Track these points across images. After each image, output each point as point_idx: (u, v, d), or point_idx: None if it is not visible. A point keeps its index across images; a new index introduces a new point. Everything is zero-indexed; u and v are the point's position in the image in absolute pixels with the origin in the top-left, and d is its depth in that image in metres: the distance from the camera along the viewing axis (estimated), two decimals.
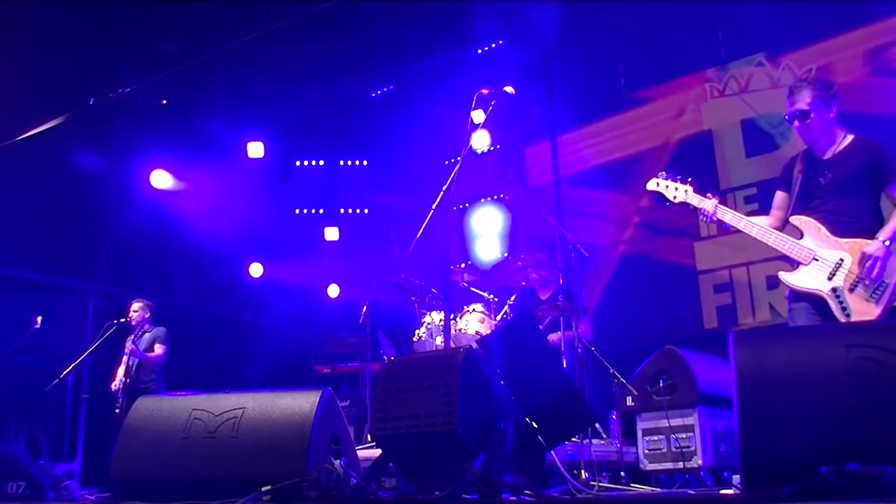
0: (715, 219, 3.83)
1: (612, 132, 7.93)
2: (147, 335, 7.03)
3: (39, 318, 6.85)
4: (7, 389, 7.00)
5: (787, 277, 3.71)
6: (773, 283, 6.49)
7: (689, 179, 4.00)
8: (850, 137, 3.82)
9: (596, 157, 7.98)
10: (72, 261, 8.25)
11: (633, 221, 7.56)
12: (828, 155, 3.81)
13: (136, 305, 7.11)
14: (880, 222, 3.66)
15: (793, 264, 3.72)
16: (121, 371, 6.87)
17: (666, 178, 4.03)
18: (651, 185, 4.07)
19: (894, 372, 2.35)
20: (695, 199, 3.93)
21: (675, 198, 3.98)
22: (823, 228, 3.67)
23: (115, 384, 6.82)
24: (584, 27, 7.71)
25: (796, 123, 3.82)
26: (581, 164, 8.04)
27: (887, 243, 3.51)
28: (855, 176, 3.71)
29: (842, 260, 3.58)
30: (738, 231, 3.84)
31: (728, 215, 3.83)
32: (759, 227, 3.78)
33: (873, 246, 3.51)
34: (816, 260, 3.63)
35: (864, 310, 3.48)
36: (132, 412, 3.41)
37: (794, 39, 6.82)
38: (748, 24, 6.87)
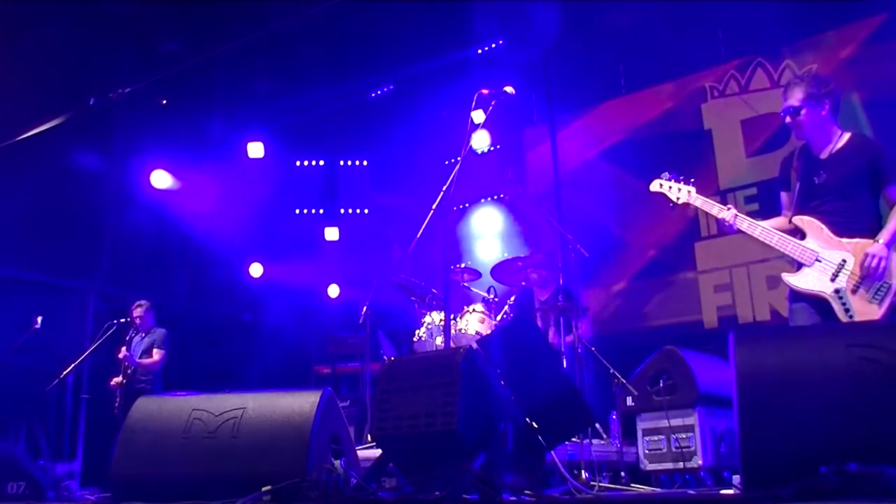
0: (735, 228, 3.80)
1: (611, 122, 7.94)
2: (146, 338, 7.02)
3: (39, 318, 6.84)
4: (7, 389, 7.00)
5: (789, 279, 3.71)
6: (773, 283, 6.49)
7: (692, 180, 4.00)
8: (847, 136, 3.81)
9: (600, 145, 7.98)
10: (72, 261, 8.25)
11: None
12: (824, 154, 3.81)
13: (137, 309, 7.09)
14: (881, 223, 3.65)
15: (795, 265, 3.72)
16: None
17: (669, 179, 4.03)
18: (654, 186, 4.08)
19: (894, 372, 2.34)
20: (697, 201, 3.94)
21: (678, 199, 3.98)
22: (826, 228, 3.66)
23: (114, 382, 6.79)
24: (584, 27, 7.70)
25: (788, 119, 3.83)
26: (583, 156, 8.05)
27: (882, 241, 3.51)
28: (853, 176, 3.70)
29: (844, 261, 3.57)
30: (739, 231, 3.83)
31: (745, 223, 3.81)
32: (762, 229, 3.77)
33: (875, 247, 3.51)
34: (819, 261, 3.62)
35: (866, 311, 3.47)
36: (132, 412, 3.41)
37: (794, 39, 6.83)
38: (748, 24, 6.87)
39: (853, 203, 3.68)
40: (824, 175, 3.76)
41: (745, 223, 3.81)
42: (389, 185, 9.34)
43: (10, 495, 3.92)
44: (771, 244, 3.75)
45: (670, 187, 4.01)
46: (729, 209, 3.87)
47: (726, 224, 3.84)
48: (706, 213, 3.97)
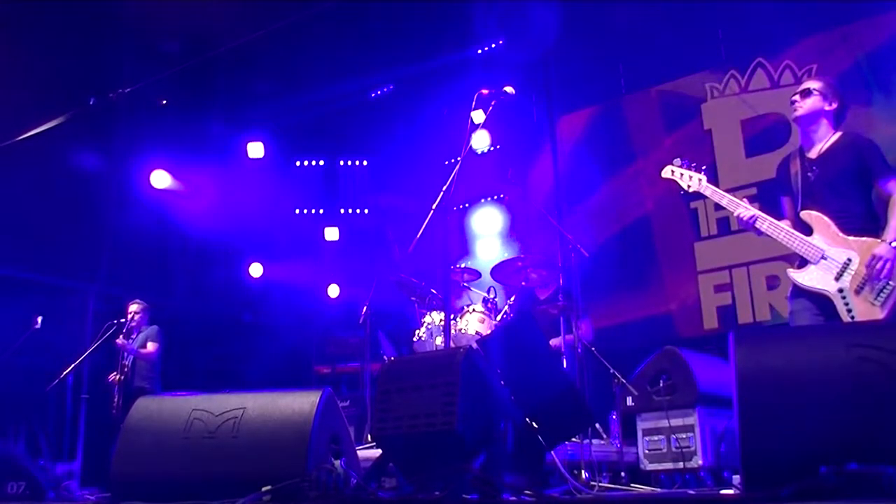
0: (752, 224, 3.77)
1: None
2: (140, 335, 7.06)
3: (39, 318, 6.85)
4: (7, 389, 7.00)
5: (794, 275, 3.70)
6: (773, 283, 6.49)
7: (704, 168, 4.02)
8: (837, 134, 3.83)
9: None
10: (72, 261, 8.26)
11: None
12: (815, 153, 3.84)
13: (133, 307, 7.11)
14: (875, 220, 3.65)
15: (798, 262, 3.71)
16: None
17: (681, 166, 4.05)
18: (666, 172, 4.10)
19: (894, 372, 2.34)
20: (707, 190, 3.95)
21: (689, 187, 4.00)
22: (833, 225, 3.64)
23: (112, 377, 6.80)
24: (584, 27, 7.70)
25: (797, 98, 3.86)
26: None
27: (888, 241, 3.51)
28: (844, 173, 3.70)
29: (849, 260, 3.56)
30: (739, 231, 3.83)
31: (755, 216, 3.76)
32: (769, 222, 3.75)
33: (882, 248, 3.49)
34: (824, 259, 3.61)
35: (868, 312, 3.47)
36: (132, 412, 3.41)
37: (794, 39, 6.82)
38: (748, 24, 6.87)
39: (844, 201, 3.68)
40: (816, 170, 3.78)
41: (755, 216, 3.77)
42: (389, 185, 9.34)
43: (10, 495, 3.92)
44: (778, 239, 3.73)
45: (682, 174, 4.03)
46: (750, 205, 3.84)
47: (742, 220, 3.80)
48: (708, 208, 3.97)
